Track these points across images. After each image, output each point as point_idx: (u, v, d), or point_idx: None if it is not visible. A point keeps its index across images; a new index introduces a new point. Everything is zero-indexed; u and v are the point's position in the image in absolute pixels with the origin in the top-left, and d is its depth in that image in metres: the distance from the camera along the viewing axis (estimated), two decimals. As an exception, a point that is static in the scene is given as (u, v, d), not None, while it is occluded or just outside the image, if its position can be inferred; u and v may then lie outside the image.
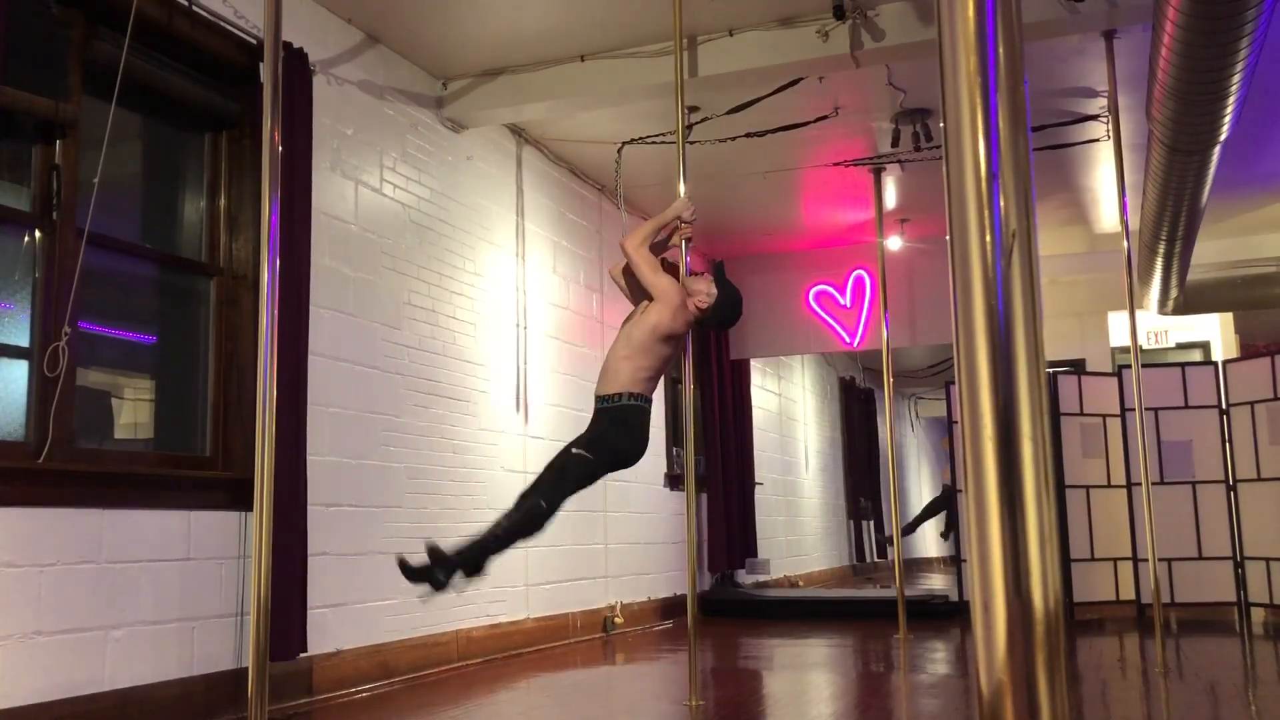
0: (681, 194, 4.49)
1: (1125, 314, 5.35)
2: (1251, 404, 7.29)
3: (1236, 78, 4.45)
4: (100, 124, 3.83)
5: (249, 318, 4.39)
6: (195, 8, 4.25)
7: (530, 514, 3.82)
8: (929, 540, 19.25)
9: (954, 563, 8.95)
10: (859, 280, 9.10)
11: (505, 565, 6.05)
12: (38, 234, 3.76)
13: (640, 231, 4.18)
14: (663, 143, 6.68)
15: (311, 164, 4.64)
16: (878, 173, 7.30)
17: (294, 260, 4.42)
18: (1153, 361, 9.04)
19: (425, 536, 5.33)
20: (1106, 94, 5.90)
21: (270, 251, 3.14)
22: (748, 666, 5.83)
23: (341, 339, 4.92)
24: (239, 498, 4.23)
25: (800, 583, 11.29)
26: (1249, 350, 10.58)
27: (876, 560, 14.77)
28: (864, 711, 4.31)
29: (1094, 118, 6.47)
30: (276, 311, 3.15)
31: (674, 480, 8.30)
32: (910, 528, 13.56)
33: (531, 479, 4.00)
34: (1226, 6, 3.90)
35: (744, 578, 9.56)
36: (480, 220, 6.14)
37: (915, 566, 16.47)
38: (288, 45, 4.40)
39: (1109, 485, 7.66)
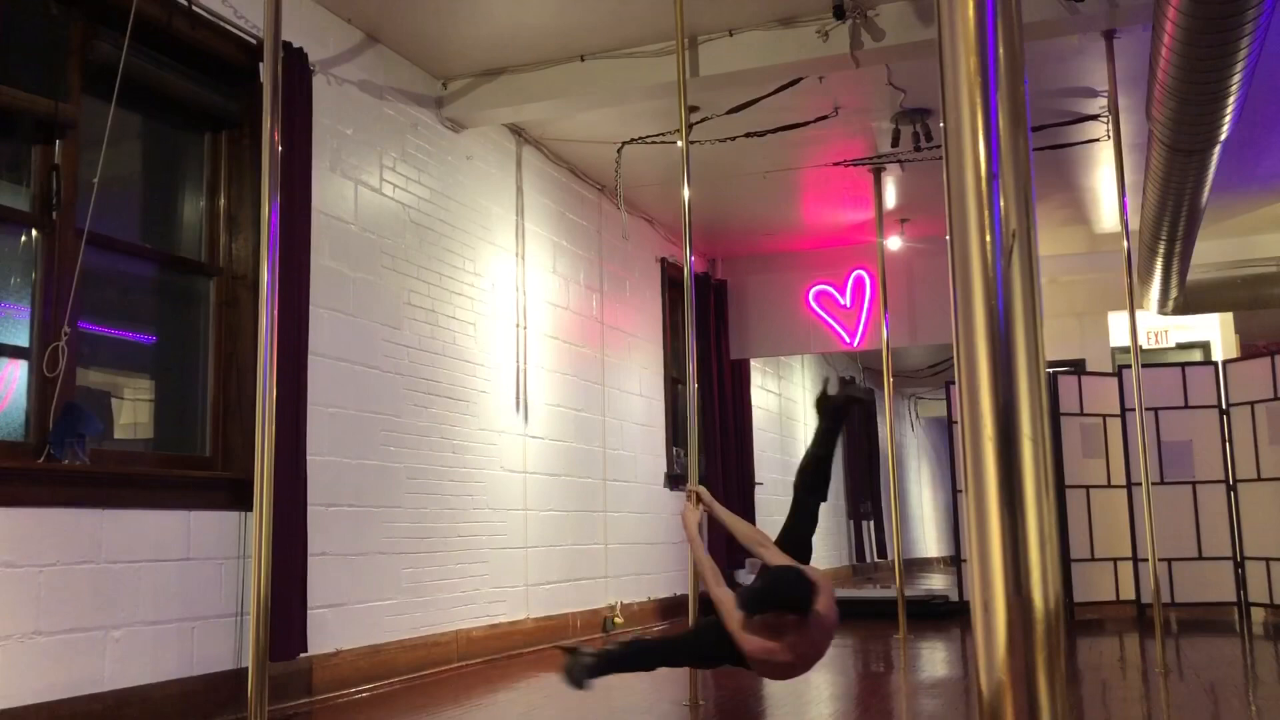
0: (685, 197, 4.49)
1: (1125, 314, 5.35)
2: (1251, 404, 7.29)
3: (1236, 78, 4.45)
4: (100, 124, 3.83)
5: (249, 318, 4.39)
6: (195, 8, 4.25)
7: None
8: (929, 540, 19.27)
9: (954, 563, 8.94)
10: (859, 280, 9.10)
11: (505, 565, 6.06)
12: (38, 234, 3.76)
13: (707, 576, 3.74)
14: (663, 143, 6.68)
15: (311, 164, 4.64)
16: (878, 173, 7.30)
17: (294, 260, 4.42)
18: (1153, 361, 9.04)
19: (425, 537, 5.37)
20: (1106, 94, 5.90)
21: (270, 251, 3.14)
22: (748, 666, 5.82)
23: (341, 339, 4.92)
24: (239, 498, 4.23)
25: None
26: (1249, 350, 10.58)
27: (876, 560, 14.77)
28: (864, 711, 4.31)
29: (1094, 118, 6.47)
30: (276, 311, 3.15)
31: (674, 480, 8.30)
32: None
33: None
34: (1226, 6, 3.90)
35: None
36: (480, 220, 6.14)
37: (915, 566, 16.47)
38: (288, 45, 4.40)
39: (1109, 485, 7.66)
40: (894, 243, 8.51)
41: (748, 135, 6.54)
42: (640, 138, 6.70)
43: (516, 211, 6.54)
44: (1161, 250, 7.26)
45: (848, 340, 9.20)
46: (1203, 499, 7.42)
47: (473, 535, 5.79)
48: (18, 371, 3.68)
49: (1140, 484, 5.72)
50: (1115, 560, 7.59)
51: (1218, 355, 10.45)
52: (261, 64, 4.15)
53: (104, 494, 3.73)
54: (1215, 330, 10.80)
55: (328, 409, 4.77)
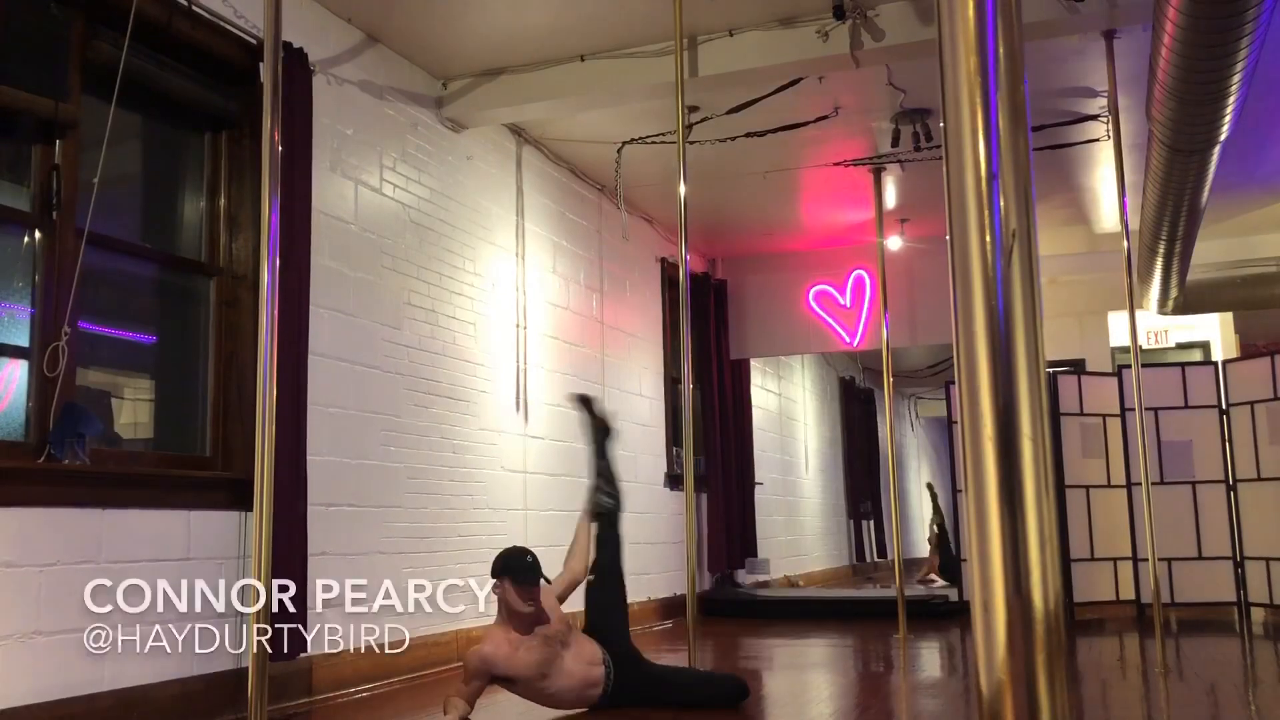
0: (681, 195, 4.48)
1: (1125, 314, 5.35)
2: (1251, 404, 7.29)
3: (1236, 78, 4.45)
4: (100, 124, 3.83)
5: (249, 318, 4.39)
6: (195, 8, 4.25)
7: None
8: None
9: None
10: (859, 280, 9.10)
11: (505, 565, 6.05)
12: (38, 234, 3.76)
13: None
14: (663, 143, 6.68)
15: (311, 164, 4.64)
16: (878, 173, 7.29)
17: (294, 260, 4.42)
18: (1153, 361, 9.05)
19: (425, 537, 5.36)
20: (1106, 94, 5.89)
21: (270, 251, 3.14)
22: (748, 666, 5.82)
23: (341, 339, 4.92)
24: (239, 498, 4.23)
25: (800, 583, 11.28)
26: (1249, 350, 10.58)
27: (876, 560, 14.77)
28: (864, 711, 4.31)
29: (1094, 118, 6.47)
30: (276, 311, 3.15)
31: (674, 480, 8.30)
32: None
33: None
34: (1226, 6, 3.90)
35: (744, 578, 9.55)
36: (480, 220, 6.14)
37: (915, 566, 16.45)
38: (288, 45, 4.40)
39: (1109, 485, 7.66)
40: (894, 243, 8.50)
41: (748, 135, 6.54)
42: (640, 138, 6.70)
43: (516, 211, 6.54)
44: (1161, 250, 7.26)
45: (848, 340, 9.20)
46: (1203, 499, 7.41)
47: (473, 535, 5.78)
48: (18, 371, 3.68)
49: (1140, 484, 5.71)
50: (1115, 560, 7.59)
51: (1218, 355, 10.44)
52: (261, 64, 4.15)
53: (104, 494, 3.73)
54: (1215, 330, 10.80)
55: (328, 409, 4.77)
